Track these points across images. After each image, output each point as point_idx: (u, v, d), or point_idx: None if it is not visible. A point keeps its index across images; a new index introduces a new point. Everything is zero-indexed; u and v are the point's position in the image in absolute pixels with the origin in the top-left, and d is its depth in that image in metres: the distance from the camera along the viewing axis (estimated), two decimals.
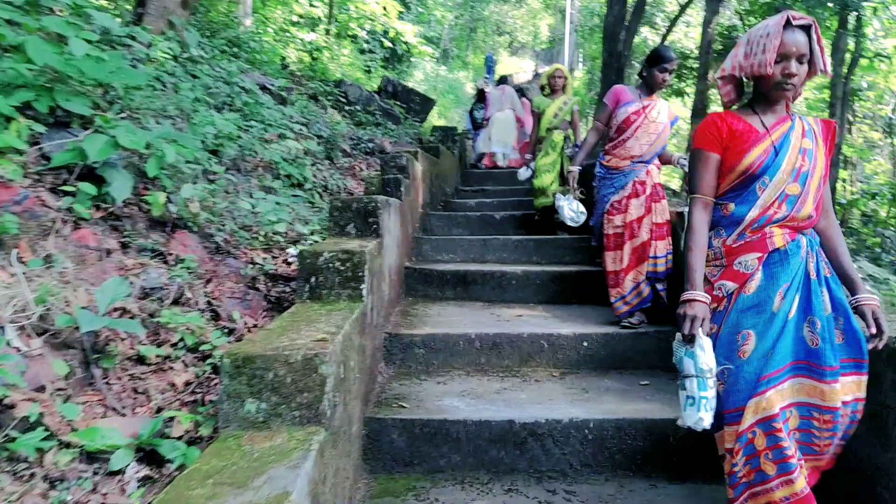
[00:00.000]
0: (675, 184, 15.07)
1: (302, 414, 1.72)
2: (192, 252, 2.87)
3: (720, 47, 14.45)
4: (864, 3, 11.64)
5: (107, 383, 2.21)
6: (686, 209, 2.11)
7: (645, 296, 3.63)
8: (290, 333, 1.95)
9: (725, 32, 15.00)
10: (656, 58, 3.61)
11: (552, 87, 6.10)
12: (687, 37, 21.26)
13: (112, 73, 3.22)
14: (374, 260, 2.95)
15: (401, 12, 16.55)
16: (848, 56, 12.75)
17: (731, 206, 1.94)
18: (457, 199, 7.57)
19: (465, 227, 6.01)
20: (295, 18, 14.09)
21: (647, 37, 20.78)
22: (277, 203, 3.69)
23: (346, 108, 9.45)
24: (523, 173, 6.29)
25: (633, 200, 3.63)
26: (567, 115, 6.00)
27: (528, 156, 6.45)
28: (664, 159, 3.84)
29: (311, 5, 14.69)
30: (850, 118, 13.87)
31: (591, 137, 3.94)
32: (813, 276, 1.87)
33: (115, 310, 2.45)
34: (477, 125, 10.41)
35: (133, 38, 4.08)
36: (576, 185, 4.10)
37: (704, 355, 1.77)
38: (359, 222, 3.29)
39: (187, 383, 2.30)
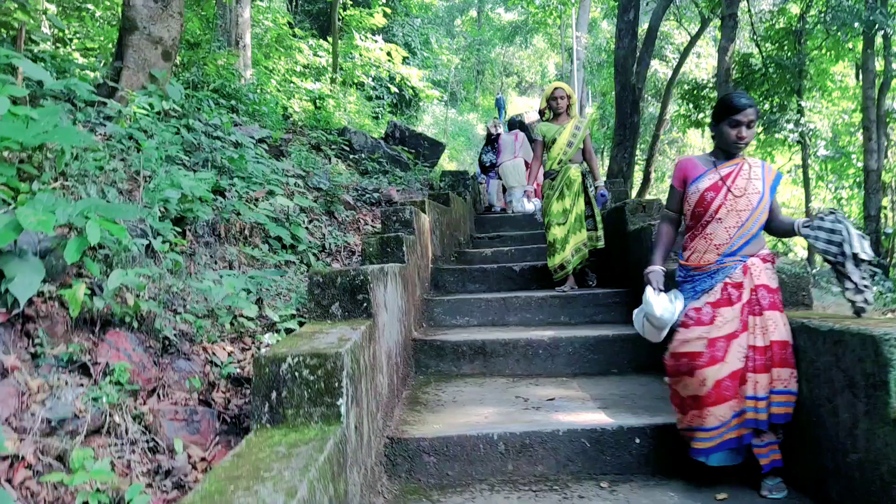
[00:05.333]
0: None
1: None
2: (127, 358, 2.22)
3: (738, 75, 13.90)
4: (892, 22, 11.02)
5: None
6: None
7: (744, 438, 2.44)
8: None
9: (742, 60, 14.46)
10: (722, 109, 2.61)
11: (554, 109, 5.13)
12: (698, 67, 20.84)
13: (42, 133, 2.66)
14: (363, 353, 2.29)
15: (406, 58, 16.33)
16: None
17: None
18: (471, 248, 6.93)
19: (481, 281, 5.35)
20: (299, 69, 13.88)
21: (658, 69, 20.34)
22: (251, 277, 3.05)
23: (351, 156, 8.95)
24: (528, 207, 5.29)
25: (724, 310, 2.51)
26: (581, 142, 5.07)
27: (529, 187, 5.52)
28: (780, 231, 2.75)
29: (316, 55, 14.52)
30: (886, 141, 13.11)
31: (663, 232, 2.85)
32: None
33: (4, 458, 1.80)
34: (486, 168, 9.88)
35: (74, 92, 3.54)
36: (661, 287, 2.70)
37: None
38: (345, 300, 2.65)
39: None
